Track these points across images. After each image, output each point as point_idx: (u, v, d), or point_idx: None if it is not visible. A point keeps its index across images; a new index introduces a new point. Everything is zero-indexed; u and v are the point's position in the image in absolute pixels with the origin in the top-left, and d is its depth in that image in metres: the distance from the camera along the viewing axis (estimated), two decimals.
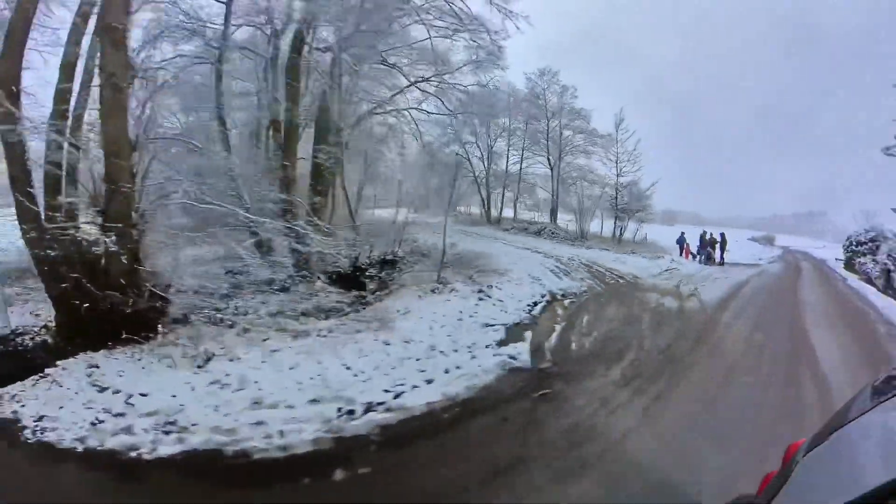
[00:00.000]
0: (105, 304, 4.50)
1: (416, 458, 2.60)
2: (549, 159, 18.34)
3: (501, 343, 4.25)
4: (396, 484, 2.33)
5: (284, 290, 5.81)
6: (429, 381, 3.44)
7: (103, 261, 4.69)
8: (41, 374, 3.90)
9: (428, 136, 11.28)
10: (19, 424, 3.15)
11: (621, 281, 8.35)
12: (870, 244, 15.79)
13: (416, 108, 10.75)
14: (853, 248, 17.02)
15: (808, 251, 21.22)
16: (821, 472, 0.97)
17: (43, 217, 4.79)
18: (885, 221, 15.84)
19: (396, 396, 3.33)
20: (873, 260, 13.46)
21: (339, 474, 2.45)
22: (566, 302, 6.00)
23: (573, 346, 4.54)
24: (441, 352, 3.99)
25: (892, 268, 10.97)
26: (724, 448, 2.72)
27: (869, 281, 11.73)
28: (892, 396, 0.94)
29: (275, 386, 3.61)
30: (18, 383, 3.71)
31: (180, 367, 4.09)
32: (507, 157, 20.00)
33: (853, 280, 11.95)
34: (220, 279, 5.65)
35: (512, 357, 3.83)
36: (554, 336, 4.61)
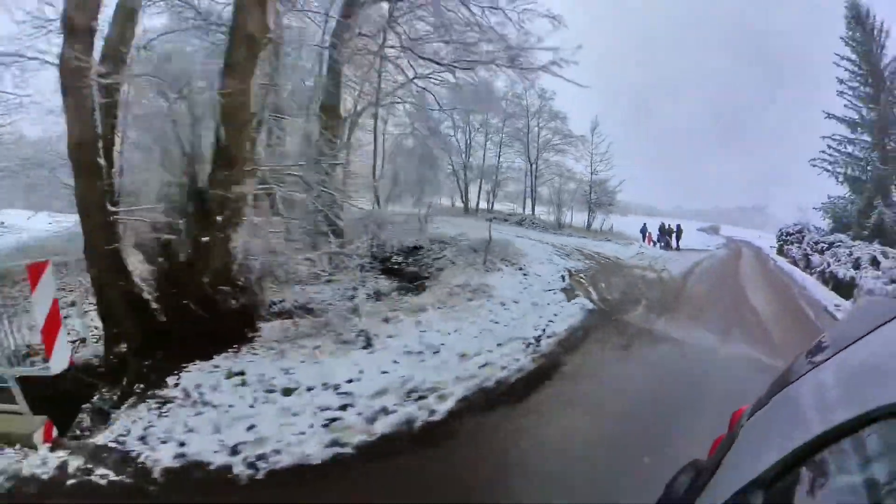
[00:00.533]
0: (201, 304, 4.17)
1: (588, 352, 4.75)
2: (528, 156, 20.75)
3: (566, 299, 6.38)
4: (590, 361, 4.46)
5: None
6: (550, 321, 5.39)
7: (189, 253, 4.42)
8: (161, 399, 3.54)
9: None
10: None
11: (609, 261, 10.92)
12: (796, 235, 19.47)
13: (410, 102, 12.02)
14: (784, 237, 20.89)
15: (749, 240, 25.45)
16: (763, 433, 1.12)
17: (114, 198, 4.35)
18: (812, 217, 19.70)
19: (544, 331, 5.11)
20: (798, 247, 16.86)
21: (567, 368, 4.35)
22: (580, 276, 8.33)
23: (608, 298, 6.89)
24: (537, 305, 6.00)
25: (810, 253, 14.26)
26: (700, 335, 5.27)
27: (794, 263, 15.15)
28: (825, 360, 1.10)
29: (458, 343, 4.52)
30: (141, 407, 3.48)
31: (344, 353, 4.26)
32: (485, 151, 22.06)
33: (782, 262, 15.49)
34: (301, 266, 5.65)
35: (583, 304, 6.05)
36: (593, 294, 6.91)
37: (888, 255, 11.31)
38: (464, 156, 21.51)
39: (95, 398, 3.95)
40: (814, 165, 18.59)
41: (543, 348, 4.56)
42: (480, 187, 22.00)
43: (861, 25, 16.48)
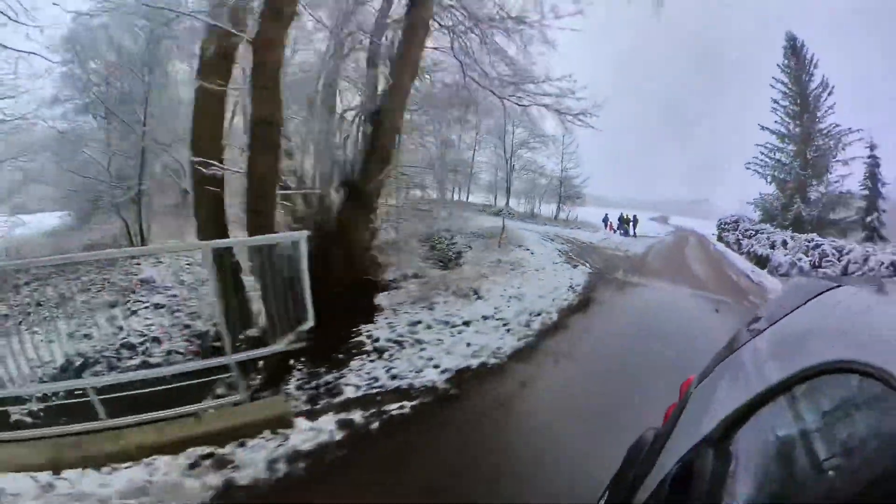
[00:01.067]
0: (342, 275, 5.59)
1: (600, 291, 7.75)
2: (504, 152, 23.72)
3: (571, 267, 9.37)
4: (603, 295, 7.43)
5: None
6: (571, 278, 8.72)
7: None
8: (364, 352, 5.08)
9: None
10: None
11: (584, 244, 14.16)
12: (732, 224, 23.59)
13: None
14: (722, 226, 25.07)
15: (694, 228, 29.84)
16: (709, 397, 1.33)
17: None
18: (746, 210, 23.95)
19: (571, 283, 8.40)
20: (733, 234, 20.82)
21: (593, 299, 7.32)
22: (570, 254, 11.40)
23: (597, 266, 10.04)
24: (557, 272, 9.04)
25: (741, 238, 18.07)
26: (661, 284, 8.51)
27: (729, 246, 19.07)
28: (761, 331, 1.31)
29: (530, 292, 7.55)
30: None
31: (469, 302, 6.90)
32: (459, 144, 24.76)
33: (720, 246, 19.44)
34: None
35: (584, 270, 9.11)
36: (586, 264, 9.95)
37: (795, 238, 15.29)
38: (438, 147, 24.05)
39: (299, 368, 4.76)
40: (748, 168, 22.94)
41: (578, 291, 7.67)
42: (455, 179, 24.63)
43: (795, 56, 20.83)
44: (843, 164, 21.25)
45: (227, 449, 3.19)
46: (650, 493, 1.28)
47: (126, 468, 2.96)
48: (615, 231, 24.53)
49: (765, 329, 1.33)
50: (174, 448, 3.09)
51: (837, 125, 21.16)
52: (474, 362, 5.03)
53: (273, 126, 5.13)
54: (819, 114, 22.64)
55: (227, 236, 5.56)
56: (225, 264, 4.19)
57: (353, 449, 3.40)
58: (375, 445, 3.52)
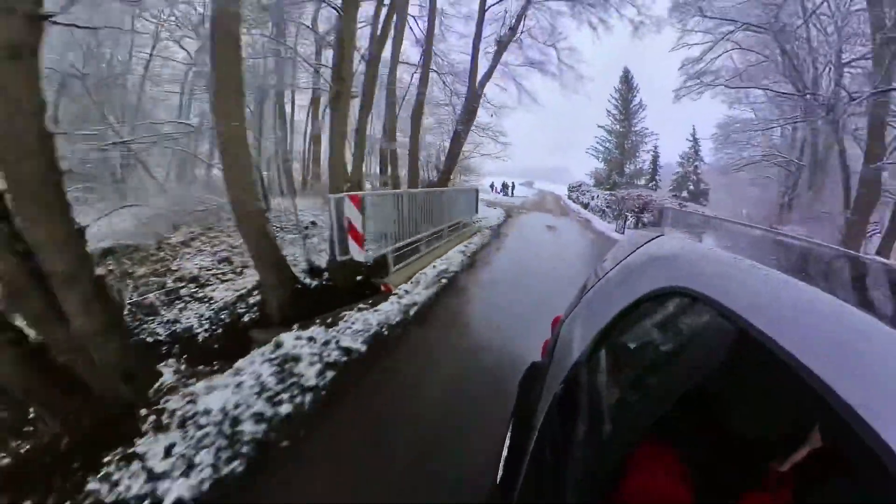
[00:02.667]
0: None
1: (513, 216, 16.07)
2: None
3: (493, 210, 17.50)
4: (512, 219, 15.54)
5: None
6: (500, 215, 16.46)
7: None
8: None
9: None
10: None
11: (490, 200, 22.65)
12: (577, 187, 34.07)
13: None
14: (570, 188, 35.62)
15: (553, 191, 41.25)
16: (576, 328, 1.60)
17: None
18: (587, 178, 34.59)
19: (500, 216, 16.20)
20: (577, 193, 31.07)
21: (509, 218, 15.28)
22: (488, 203, 19.61)
23: (503, 210, 18.42)
24: (491, 212, 16.92)
25: (581, 195, 28.15)
26: (535, 213, 17.32)
27: (572, 200, 29.24)
28: (609, 271, 1.62)
29: (491, 213, 15.36)
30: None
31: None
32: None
33: (567, 201, 29.68)
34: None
35: (501, 212, 17.32)
36: (498, 209, 18.26)
37: (602, 195, 25.77)
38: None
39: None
40: (587, 152, 33.82)
41: (502, 216, 15.74)
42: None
43: (627, 83, 31.82)
44: (644, 153, 33.29)
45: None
46: (545, 413, 1.54)
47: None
48: (499, 193, 34.03)
49: (611, 269, 1.67)
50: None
51: (645, 128, 33.06)
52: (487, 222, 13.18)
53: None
54: (634, 121, 34.90)
55: None
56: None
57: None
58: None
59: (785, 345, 0.77)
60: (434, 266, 7.02)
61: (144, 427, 2.68)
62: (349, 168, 7.03)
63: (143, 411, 2.83)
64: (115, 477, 2.30)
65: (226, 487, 2.24)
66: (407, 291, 5.47)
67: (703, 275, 1.13)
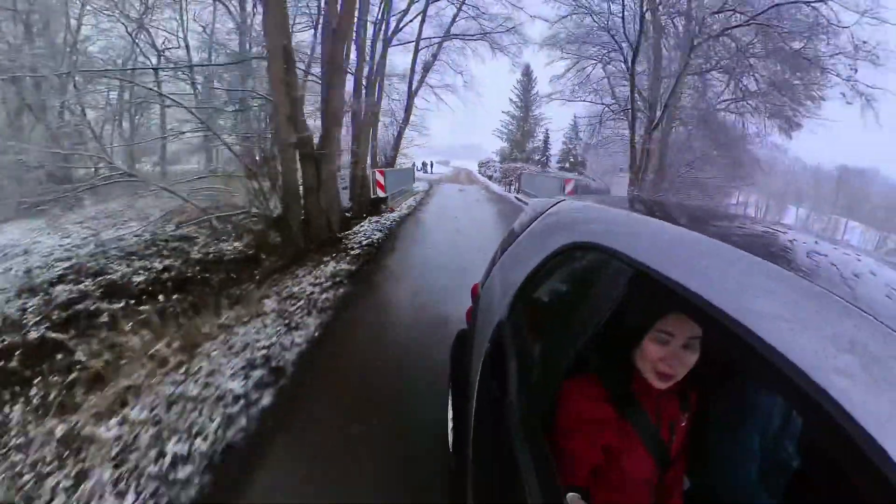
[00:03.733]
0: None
1: (436, 186, 22.80)
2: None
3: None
4: (436, 188, 22.31)
5: None
6: (423, 187, 23.13)
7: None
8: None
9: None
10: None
11: (418, 177, 29.48)
12: (486, 162, 41.59)
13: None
14: (480, 164, 43.25)
15: (466, 166, 49.11)
16: (494, 291, 1.81)
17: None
18: (493, 155, 42.15)
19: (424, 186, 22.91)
20: (485, 167, 38.66)
21: (432, 187, 21.99)
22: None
23: (426, 182, 25.27)
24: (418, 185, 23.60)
25: (487, 170, 35.76)
26: (451, 183, 24.65)
27: (481, 174, 36.88)
28: (518, 235, 1.87)
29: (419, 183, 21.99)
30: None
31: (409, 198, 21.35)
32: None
33: (476, 174, 37.43)
34: None
35: (426, 184, 24.11)
36: (423, 183, 25.09)
37: (500, 168, 33.57)
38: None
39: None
40: (493, 133, 41.60)
41: (429, 185, 22.71)
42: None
43: (527, 76, 39.61)
44: (540, 133, 41.72)
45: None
46: (479, 374, 1.66)
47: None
48: (419, 170, 41.09)
49: (520, 235, 1.85)
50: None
51: (542, 113, 41.46)
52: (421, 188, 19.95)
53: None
54: (532, 108, 43.04)
55: None
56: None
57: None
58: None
59: (673, 275, 0.97)
60: (406, 203, 13.79)
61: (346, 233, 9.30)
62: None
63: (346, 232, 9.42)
64: (343, 243, 8.86)
65: (382, 237, 8.73)
66: (398, 210, 12.12)
67: (599, 229, 1.42)
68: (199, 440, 2.47)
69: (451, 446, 2.12)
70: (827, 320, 0.73)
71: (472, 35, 18.13)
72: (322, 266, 6.15)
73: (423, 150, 24.50)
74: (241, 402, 2.83)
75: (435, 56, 19.11)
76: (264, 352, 3.50)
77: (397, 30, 16.06)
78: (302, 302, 4.69)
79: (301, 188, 7.57)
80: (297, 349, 3.61)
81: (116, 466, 2.27)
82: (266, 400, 2.88)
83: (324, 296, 4.94)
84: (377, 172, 11.51)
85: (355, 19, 8.59)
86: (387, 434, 2.57)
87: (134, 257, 7.31)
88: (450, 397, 2.32)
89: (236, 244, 7.98)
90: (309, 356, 3.55)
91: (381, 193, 11.52)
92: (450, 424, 2.20)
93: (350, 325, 4.24)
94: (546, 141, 43.99)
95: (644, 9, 13.93)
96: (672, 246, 1.09)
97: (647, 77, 15.51)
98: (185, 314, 4.55)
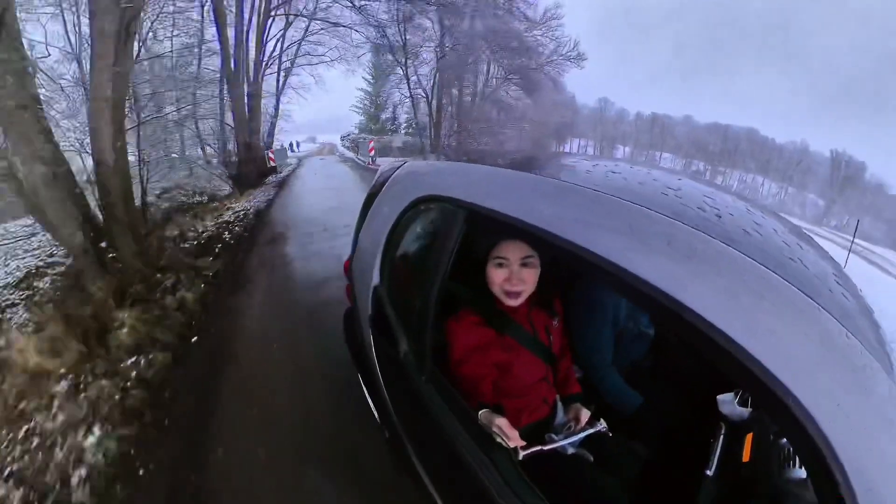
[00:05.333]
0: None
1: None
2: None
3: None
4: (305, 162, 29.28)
5: None
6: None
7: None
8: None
9: None
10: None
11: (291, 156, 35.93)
12: (347, 136, 48.39)
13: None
14: (342, 137, 50.27)
15: (331, 141, 56.14)
16: (363, 263, 1.96)
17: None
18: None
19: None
20: (346, 140, 45.68)
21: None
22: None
23: (303, 157, 32.14)
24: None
25: (348, 144, 43.03)
26: (318, 158, 32.12)
27: (345, 147, 44.17)
28: (375, 197, 2.09)
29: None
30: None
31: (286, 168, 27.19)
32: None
33: (339, 147, 44.65)
34: None
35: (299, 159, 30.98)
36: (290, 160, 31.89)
37: (362, 140, 41.07)
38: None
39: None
40: (350, 108, 48.63)
41: (297, 160, 29.50)
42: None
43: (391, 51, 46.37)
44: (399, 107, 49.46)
45: None
46: (372, 339, 1.85)
47: None
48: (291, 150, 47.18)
49: (374, 201, 2.04)
50: None
51: (392, 88, 48.60)
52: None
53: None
54: (383, 83, 50.24)
55: None
56: None
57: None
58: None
59: (498, 208, 1.23)
60: (287, 169, 21.26)
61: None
62: None
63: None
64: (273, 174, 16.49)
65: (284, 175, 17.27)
66: (284, 172, 19.66)
67: (437, 182, 1.62)
68: None
69: (377, 419, 2.29)
70: (645, 225, 0.99)
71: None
72: (272, 176, 14.93)
73: (289, 130, 27.12)
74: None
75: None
76: (255, 203, 11.73)
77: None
78: (263, 189, 12.92)
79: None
80: (268, 201, 11.93)
81: None
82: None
83: (273, 185, 13.20)
84: (269, 152, 18.91)
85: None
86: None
87: None
88: (359, 377, 2.43)
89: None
90: (267, 207, 11.76)
91: (272, 164, 18.86)
92: (369, 401, 2.32)
93: (285, 195, 12.62)
94: (395, 111, 52.14)
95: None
96: (492, 185, 1.37)
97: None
98: None
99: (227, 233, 8.04)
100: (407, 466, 1.89)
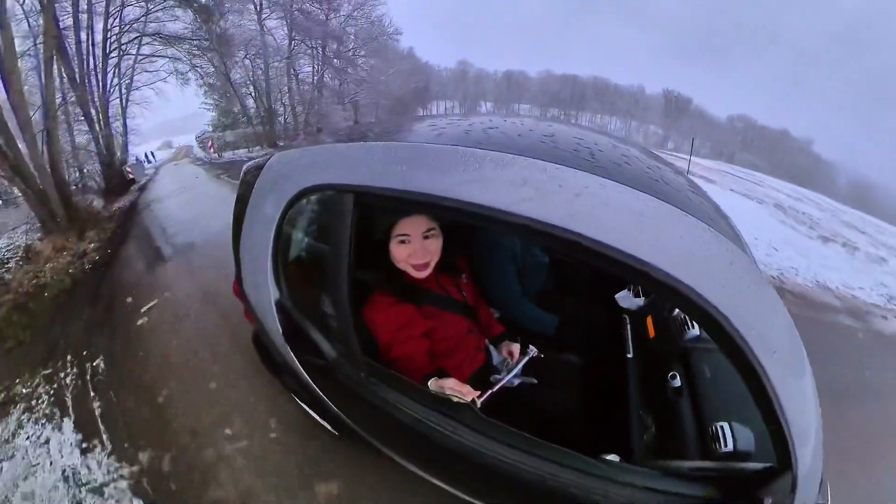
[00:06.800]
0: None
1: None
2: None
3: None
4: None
5: None
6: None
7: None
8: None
9: None
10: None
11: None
12: (200, 135, 43.74)
13: None
14: (197, 137, 45.42)
15: (187, 143, 50.53)
16: (255, 278, 1.82)
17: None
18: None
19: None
20: (200, 139, 41.30)
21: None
22: None
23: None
24: None
25: (201, 142, 39.10)
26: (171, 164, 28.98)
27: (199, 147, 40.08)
28: (246, 202, 1.84)
29: None
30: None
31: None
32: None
33: (198, 148, 40.38)
34: None
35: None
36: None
37: (201, 138, 37.69)
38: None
39: None
40: (200, 106, 43.92)
41: (154, 170, 26.15)
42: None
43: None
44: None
45: None
46: (291, 359, 1.79)
47: None
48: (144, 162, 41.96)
49: (246, 209, 1.81)
50: None
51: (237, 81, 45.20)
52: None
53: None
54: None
55: None
56: None
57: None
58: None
59: (394, 185, 1.22)
60: (145, 178, 19.10)
61: None
62: None
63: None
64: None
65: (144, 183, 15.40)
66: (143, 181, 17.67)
67: (315, 170, 1.48)
68: None
69: (334, 431, 2.31)
70: (505, 172, 1.09)
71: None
72: (133, 185, 14.54)
73: (143, 140, 25.95)
74: None
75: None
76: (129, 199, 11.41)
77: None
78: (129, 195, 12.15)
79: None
80: (132, 202, 11.45)
81: None
82: None
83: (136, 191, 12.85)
84: (126, 167, 17.31)
85: None
86: None
87: None
88: (293, 396, 2.42)
89: None
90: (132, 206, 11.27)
91: (131, 177, 17.04)
92: (317, 418, 2.31)
93: (145, 195, 12.09)
94: (243, 104, 48.38)
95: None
96: (373, 162, 1.31)
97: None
98: None
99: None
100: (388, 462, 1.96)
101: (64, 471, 2.83)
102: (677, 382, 1.80)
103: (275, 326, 1.77)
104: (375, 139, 1.47)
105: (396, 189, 1.22)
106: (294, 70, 27.04)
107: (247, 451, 2.78)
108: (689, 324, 2.01)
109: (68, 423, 3.28)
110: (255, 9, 22.94)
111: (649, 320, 2.23)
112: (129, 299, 5.05)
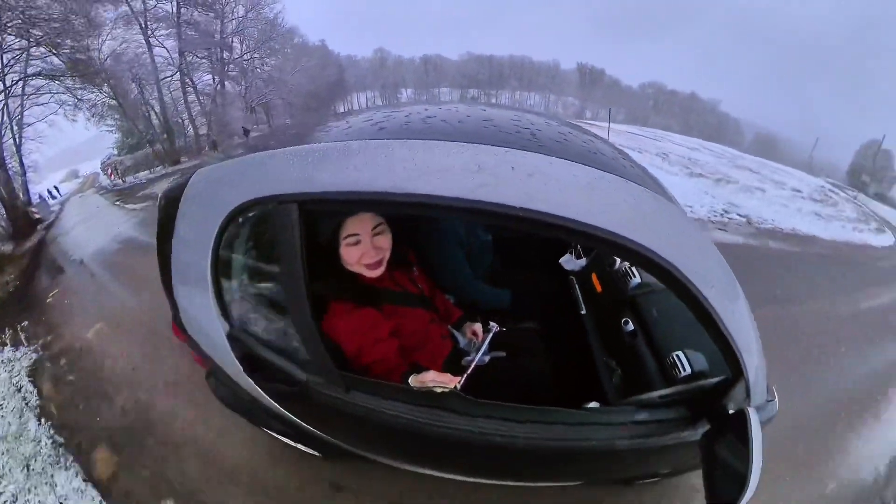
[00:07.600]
0: None
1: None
2: None
3: None
4: None
5: None
6: None
7: None
8: None
9: None
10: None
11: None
12: (106, 159, 40.35)
13: None
14: (103, 163, 41.77)
15: (95, 170, 46.12)
16: (196, 316, 1.68)
17: None
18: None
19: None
20: (105, 164, 38.21)
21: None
22: None
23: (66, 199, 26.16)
24: None
25: (107, 167, 36.08)
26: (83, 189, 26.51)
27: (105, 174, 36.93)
28: (170, 240, 1.70)
29: None
30: None
31: None
32: None
33: (103, 175, 37.19)
34: None
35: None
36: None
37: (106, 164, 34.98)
38: None
39: None
40: (101, 129, 40.45)
41: (59, 206, 23.76)
42: None
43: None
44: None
45: None
46: (258, 393, 1.64)
47: None
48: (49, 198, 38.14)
49: (172, 238, 1.63)
50: None
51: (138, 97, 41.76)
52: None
53: None
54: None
55: None
56: None
57: None
58: None
59: (336, 188, 1.16)
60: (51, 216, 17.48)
61: None
62: None
63: None
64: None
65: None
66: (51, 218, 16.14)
67: (246, 184, 1.35)
68: None
69: (315, 453, 2.27)
70: (458, 160, 1.09)
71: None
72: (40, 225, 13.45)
73: (40, 175, 24.08)
74: None
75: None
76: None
77: None
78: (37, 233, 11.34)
79: None
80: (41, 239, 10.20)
81: None
82: None
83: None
84: (30, 208, 16.16)
85: None
86: None
87: None
88: (267, 430, 2.21)
89: None
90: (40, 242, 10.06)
91: (37, 217, 15.62)
92: (302, 448, 2.25)
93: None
94: (145, 124, 44.93)
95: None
96: (306, 166, 1.23)
97: None
98: None
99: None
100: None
101: None
102: (630, 327, 1.97)
103: (232, 362, 1.62)
104: (304, 141, 1.36)
105: (348, 191, 1.15)
106: (191, 82, 25.79)
107: None
108: (631, 272, 2.19)
109: None
110: (140, 27, 22.13)
111: (594, 277, 2.39)
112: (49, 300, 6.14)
